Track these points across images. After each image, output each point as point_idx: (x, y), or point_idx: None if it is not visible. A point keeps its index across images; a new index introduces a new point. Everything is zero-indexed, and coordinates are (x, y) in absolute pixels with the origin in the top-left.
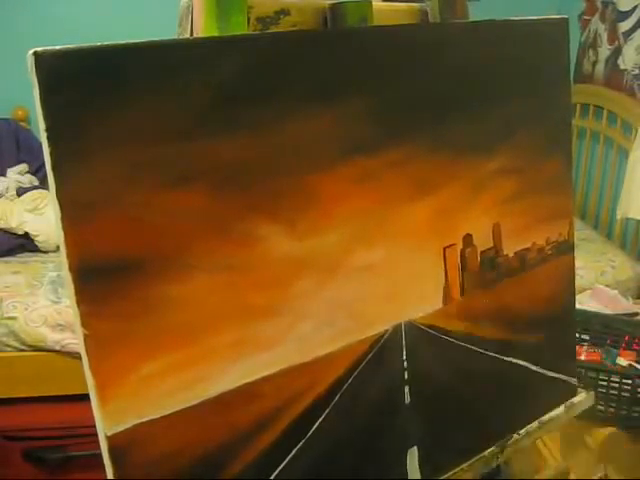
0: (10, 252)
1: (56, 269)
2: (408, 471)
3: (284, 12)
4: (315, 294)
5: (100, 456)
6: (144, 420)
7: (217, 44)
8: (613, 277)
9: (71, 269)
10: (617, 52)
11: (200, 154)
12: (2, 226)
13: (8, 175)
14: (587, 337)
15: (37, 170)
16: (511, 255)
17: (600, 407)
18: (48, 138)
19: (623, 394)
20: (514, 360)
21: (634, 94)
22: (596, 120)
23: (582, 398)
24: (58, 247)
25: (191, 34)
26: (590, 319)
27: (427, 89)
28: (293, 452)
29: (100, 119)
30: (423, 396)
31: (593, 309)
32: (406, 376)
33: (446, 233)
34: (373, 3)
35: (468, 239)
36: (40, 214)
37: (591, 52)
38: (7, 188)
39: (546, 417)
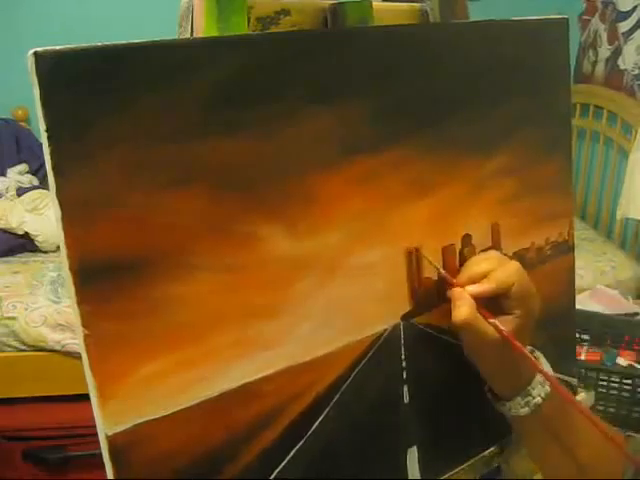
0: (10, 252)
1: (56, 269)
2: (408, 471)
3: (284, 12)
4: (315, 294)
5: (100, 456)
6: (144, 420)
7: (217, 44)
8: (613, 277)
9: (71, 269)
10: (617, 52)
11: (200, 154)
12: (2, 226)
13: (8, 175)
14: (587, 337)
15: (37, 170)
16: (510, 255)
17: (600, 407)
18: (48, 138)
19: (623, 394)
20: None
21: (634, 94)
22: (596, 120)
23: (582, 398)
24: (58, 247)
25: (191, 34)
26: (590, 319)
27: (427, 89)
28: (293, 452)
29: (100, 119)
30: (422, 396)
31: (593, 309)
32: (405, 375)
33: (445, 233)
34: (373, 3)
35: (467, 239)
36: (40, 214)
37: (591, 52)
38: (7, 188)
39: None
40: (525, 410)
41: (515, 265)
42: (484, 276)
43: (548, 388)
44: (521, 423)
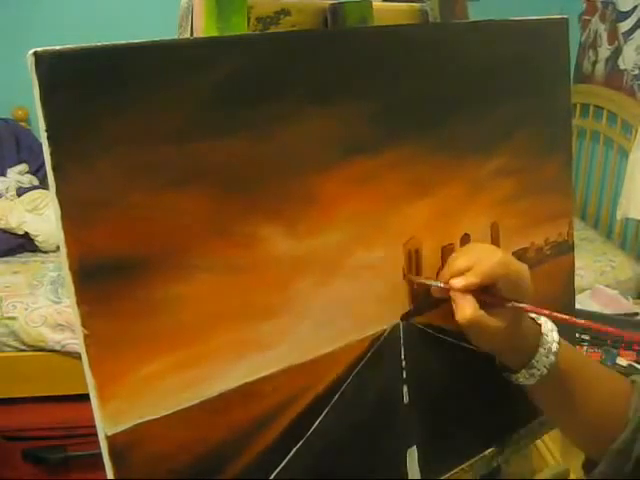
0: (10, 252)
1: (56, 269)
2: (408, 471)
3: (284, 12)
4: (315, 294)
5: (100, 456)
6: (144, 420)
7: (217, 44)
8: (613, 277)
9: (71, 269)
10: (617, 52)
11: (200, 155)
12: (2, 226)
13: (8, 175)
14: (587, 337)
15: (37, 170)
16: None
17: None
18: (48, 138)
19: None
20: None
21: (634, 94)
22: (596, 120)
23: None
24: (58, 247)
25: (191, 34)
26: (590, 319)
27: (427, 89)
28: (293, 452)
29: (100, 119)
30: (422, 395)
31: (593, 309)
32: (404, 375)
33: (444, 233)
34: (373, 3)
35: (466, 239)
36: (40, 214)
37: (591, 52)
38: (7, 188)
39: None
40: (531, 380)
41: (497, 256)
42: (467, 270)
43: (553, 358)
44: (530, 390)
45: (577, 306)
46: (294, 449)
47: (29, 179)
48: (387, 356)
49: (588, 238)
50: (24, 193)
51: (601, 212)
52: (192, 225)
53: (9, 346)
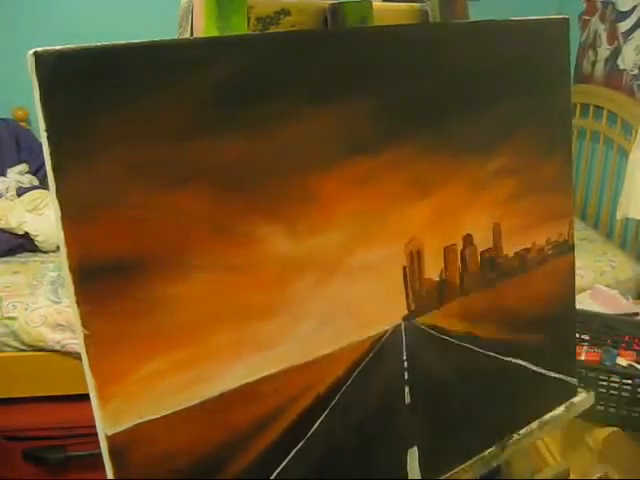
0: (10, 252)
1: (56, 269)
2: (408, 471)
3: (284, 12)
4: (315, 294)
5: (100, 456)
6: (144, 420)
7: (217, 44)
8: (613, 277)
9: (71, 269)
10: (616, 52)
11: (200, 154)
12: (2, 226)
13: (8, 175)
14: (587, 337)
15: (37, 170)
16: (511, 255)
17: (600, 407)
18: (48, 138)
19: (623, 394)
20: (514, 360)
21: (633, 94)
22: (596, 120)
23: (582, 398)
24: (58, 247)
25: (191, 34)
26: (590, 319)
27: (427, 89)
28: (293, 452)
29: (100, 119)
30: (423, 396)
31: (593, 309)
32: (406, 376)
33: (446, 233)
34: (373, 3)
35: (468, 239)
36: (40, 214)
37: (591, 52)
38: (7, 188)
39: (546, 417)
40: None
41: None
42: None
43: None
44: None
45: (577, 306)
46: (295, 449)
47: (29, 179)
48: (389, 357)
49: (588, 238)
50: (24, 193)
51: (601, 212)
52: (191, 224)
53: (9, 346)
